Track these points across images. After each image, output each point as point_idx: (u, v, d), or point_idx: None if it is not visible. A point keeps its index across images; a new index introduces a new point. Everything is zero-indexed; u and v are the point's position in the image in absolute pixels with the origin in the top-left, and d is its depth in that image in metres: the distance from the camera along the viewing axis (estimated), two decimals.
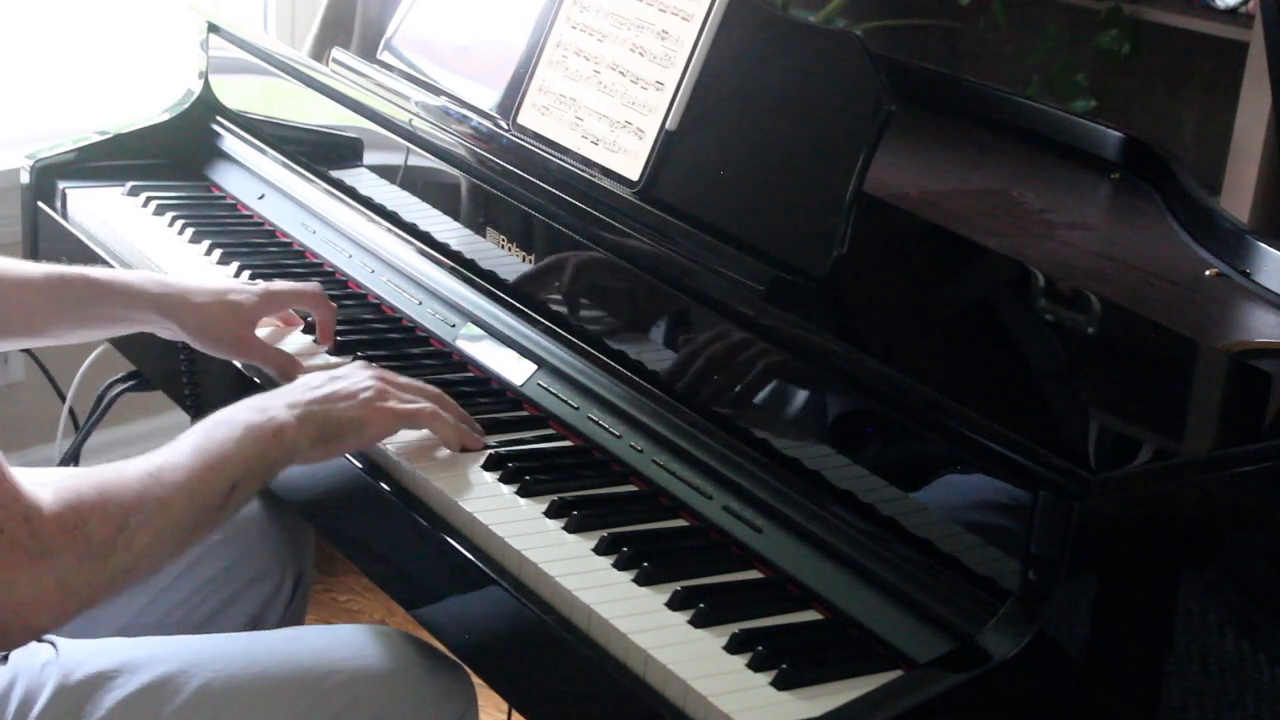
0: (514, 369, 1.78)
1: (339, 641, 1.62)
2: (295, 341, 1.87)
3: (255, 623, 1.82)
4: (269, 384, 1.78)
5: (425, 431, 1.64)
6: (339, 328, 1.88)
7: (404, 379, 1.66)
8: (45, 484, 1.35)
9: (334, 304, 1.88)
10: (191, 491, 1.43)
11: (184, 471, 1.44)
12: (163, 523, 1.40)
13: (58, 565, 1.33)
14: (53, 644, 1.53)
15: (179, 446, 1.47)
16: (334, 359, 1.83)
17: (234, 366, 1.84)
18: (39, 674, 1.49)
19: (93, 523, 1.35)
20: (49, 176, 2.29)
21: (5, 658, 1.48)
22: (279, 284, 1.88)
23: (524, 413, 1.73)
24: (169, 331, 1.82)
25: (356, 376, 1.62)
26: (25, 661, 1.49)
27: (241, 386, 1.81)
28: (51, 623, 1.37)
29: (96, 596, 1.37)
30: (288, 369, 1.79)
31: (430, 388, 1.67)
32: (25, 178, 2.30)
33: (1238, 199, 2.77)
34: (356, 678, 1.57)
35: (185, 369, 1.95)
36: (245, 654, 1.57)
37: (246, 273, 2.04)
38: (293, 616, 1.86)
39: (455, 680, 1.62)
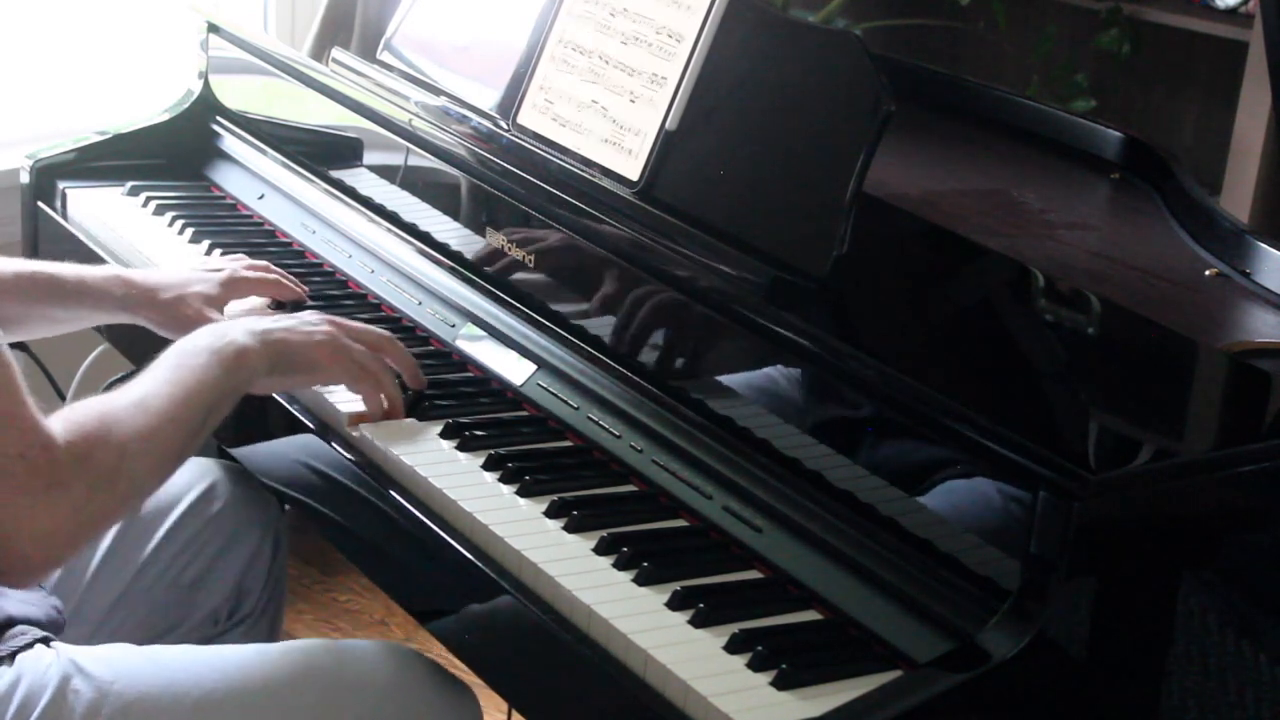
0: (514, 369, 1.78)
1: (348, 655, 1.61)
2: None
3: (240, 584, 1.86)
4: None
5: (422, 431, 1.66)
6: None
7: (356, 325, 1.70)
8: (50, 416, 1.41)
9: (301, 288, 1.92)
10: (175, 418, 1.49)
11: (166, 399, 1.49)
12: (155, 448, 1.46)
13: (72, 493, 1.38)
14: (54, 649, 1.52)
15: (154, 377, 1.52)
16: None
17: None
18: (42, 676, 1.48)
19: (98, 451, 1.40)
20: (49, 176, 2.29)
21: (12, 658, 1.49)
22: (242, 271, 1.90)
23: (524, 413, 1.73)
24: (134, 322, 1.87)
25: (313, 319, 1.67)
26: (31, 664, 1.49)
27: None
28: (67, 551, 1.41)
29: (102, 525, 1.44)
30: None
31: (381, 332, 1.71)
32: (25, 178, 2.30)
33: (1238, 199, 2.77)
34: (364, 690, 1.56)
35: None
36: (251, 664, 1.56)
37: (218, 251, 2.08)
38: (275, 583, 1.91)
39: (462, 699, 1.62)
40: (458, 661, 1.59)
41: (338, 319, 1.70)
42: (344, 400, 1.70)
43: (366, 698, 1.56)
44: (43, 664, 1.49)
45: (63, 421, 1.40)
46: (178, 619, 1.83)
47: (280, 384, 1.66)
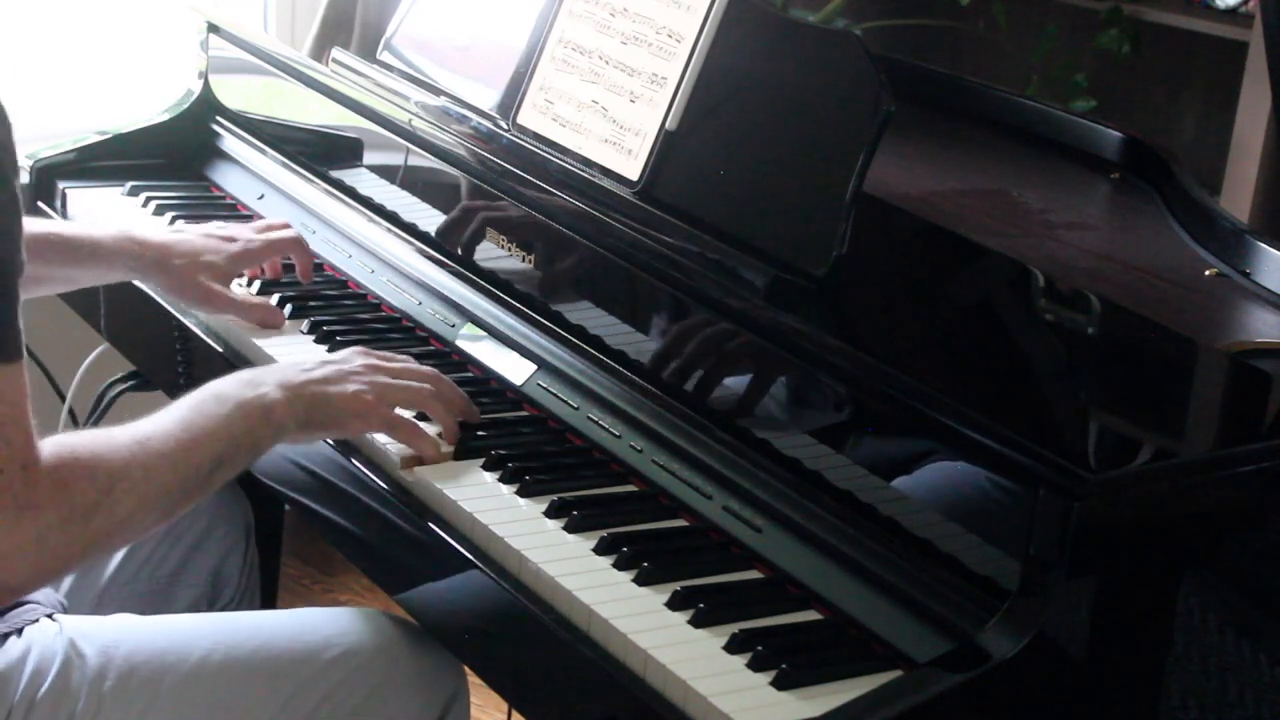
0: (514, 369, 1.78)
1: (330, 622, 1.64)
2: (299, 344, 1.87)
3: (217, 574, 1.88)
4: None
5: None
6: (338, 328, 1.88)
7: (400, 365, 1.66)
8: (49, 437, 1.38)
9: (308, 245, 1.96)
10: (176, 462, 1.45)
11: (172, 442, 1.45)
12: (147, 490, 1.42)
13: (40, 520, 1.34)
14: (58, 621, 1.54)
15: (168, 417, 1.48)
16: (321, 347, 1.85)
17: (229, 360, 1.84)
18: (50, 646, 1.50)
19: (80, 483, 1.36)
20: (49, 176, 2.29)
21: (20, 631, 1.50)
22: (254, 241, 1.92)
23: (524, 413, 1.73)
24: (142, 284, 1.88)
25: (353, 363, 1.63)
26: (39, 636, 1.50)
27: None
28: (27, 581, 1.38)
29: (73, 559, 1.39)
30: (267, 319, 1.85)
31: (426, 370, 1.67)
32: (25, 178, 2.30)
33: (1238, 199, 2.77)
34: (347, 656, 1.59)
35: (181, 356, 1.96)
36: (241, 632, 1.59)
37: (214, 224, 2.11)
38: (251, 571, 1.93)
39: (444, 661, 1.63)
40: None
41: (379, 359, 1.65)
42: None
43: (348, 659, 1.58)
44: (49, 635, 1.51)
45: (55, 445, 1.36)
46: (159, 610, 1.84)
47: (316, 436, 1.61)
